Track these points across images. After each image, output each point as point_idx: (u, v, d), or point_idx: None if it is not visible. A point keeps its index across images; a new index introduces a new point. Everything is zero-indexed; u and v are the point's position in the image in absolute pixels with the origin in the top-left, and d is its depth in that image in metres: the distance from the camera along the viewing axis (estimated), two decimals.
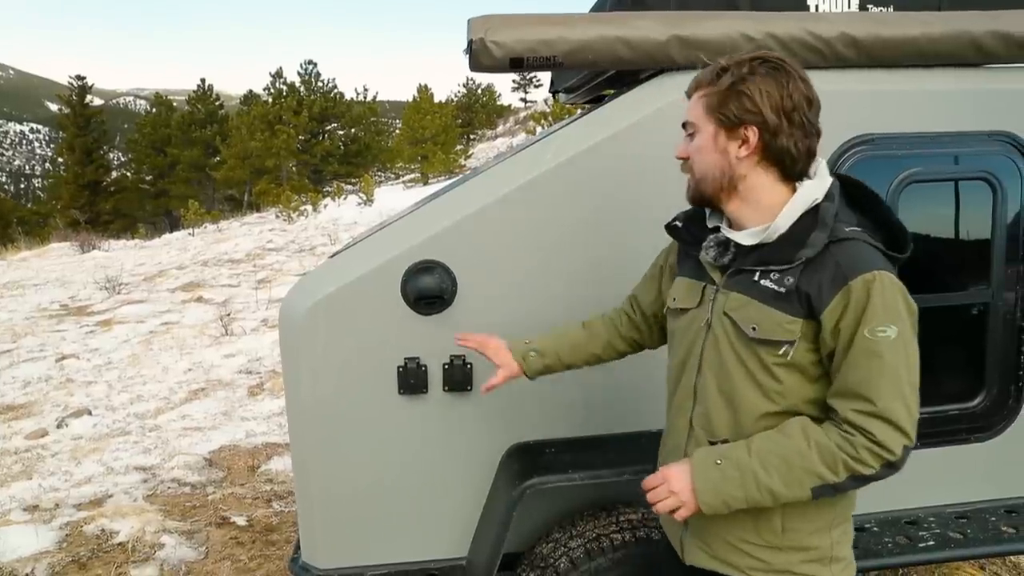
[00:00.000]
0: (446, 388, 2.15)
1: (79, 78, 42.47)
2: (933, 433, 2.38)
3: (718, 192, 1.45)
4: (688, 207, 1.59)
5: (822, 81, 2.23)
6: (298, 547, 2.32)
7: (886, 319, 1.31)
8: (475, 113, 45.76)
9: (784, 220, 1.40)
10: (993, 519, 2.41)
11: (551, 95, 3.44)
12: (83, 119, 41.99)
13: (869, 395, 1.31)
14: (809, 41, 2.15)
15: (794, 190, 1.43)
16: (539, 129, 21.90)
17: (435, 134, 30.27)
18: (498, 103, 48.37)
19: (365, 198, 21.39)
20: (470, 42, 2.07)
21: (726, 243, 1.49)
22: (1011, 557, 3.16)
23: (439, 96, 36.17)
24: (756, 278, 1.42)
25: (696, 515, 1.42)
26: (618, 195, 2.13)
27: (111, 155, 48.95)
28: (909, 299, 1.36)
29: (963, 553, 2.27)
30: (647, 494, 1.47)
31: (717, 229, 1.53)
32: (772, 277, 1.40)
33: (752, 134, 1.39)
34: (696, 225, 1.58)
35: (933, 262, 2.34)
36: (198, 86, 42.09)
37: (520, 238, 2.12)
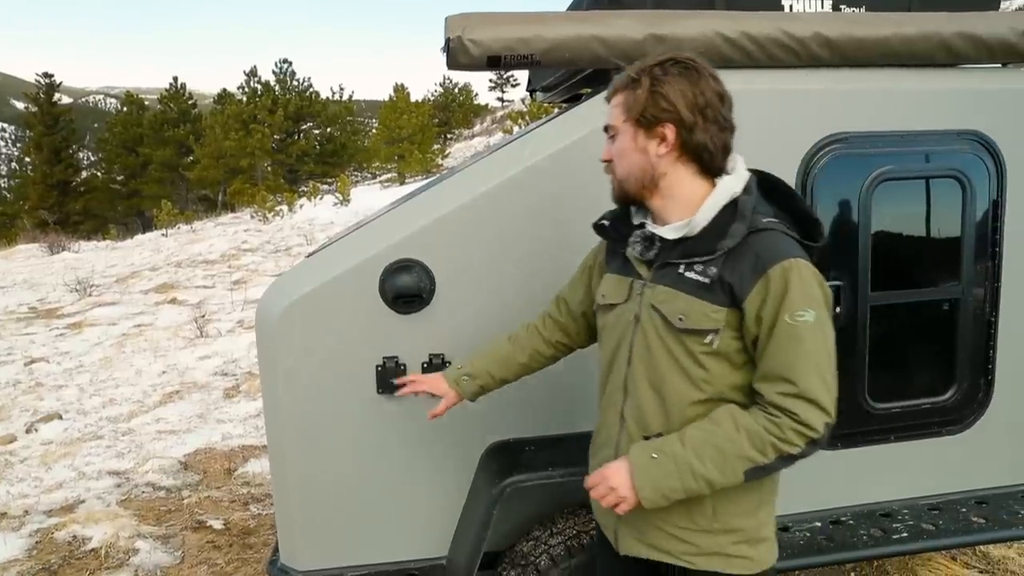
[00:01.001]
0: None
1: (46, 75, 41.57)
2: (906, 427, 2.42)
3: (640, 190, 1.51)
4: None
5: (797, 80, 2.29)
6: (276, 549, 2.29)
7: (804, 304, 1.37)
8: (452, 112, 45.60)
9: (705, 214, 1.46)
10: (964, 510, 2.45)
11: (528, 94, 3.44)
12: (51, 118, 41.11)
13: (792, 377, 1.37)
14: (784, 40, 2.17)
15: (714, 185, 1.49)
16: (516, 128, 21.91)
17: (412, 133, 30.11)
18: (475, 102, 48.26)
19: (341, 198, 21.23)
20: (447, 40, 2.07)
21: (651, 238, 1.53)
22: (981, 547, 3.23)
23: (416, 95, 36.02)
24: (681, 270, 1.47)
25: (637, 508, 1.47)
26: (595, 192, 2.13)
27: (80, 155, 47.94)
28: (824, 285, 1.43)
29: (936, 544, 2.32)
30: (591, 492, 1.51)
31: (641, 225, 1.58)
32: (696, 269, 1.45)
33: (669, 132, 1.44)
34: (623, 223, 1.63)
35: (905, 259, 2.38)
36: (170, 84, 41.41)
37: (499, 236, 2.12)
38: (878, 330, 2.33)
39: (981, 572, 3.12)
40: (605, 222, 1.67)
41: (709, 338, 1.43)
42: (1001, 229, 2.40)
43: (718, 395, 1.46)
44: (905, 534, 2.31)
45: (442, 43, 2.10)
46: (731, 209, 1.46)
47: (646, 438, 1.50)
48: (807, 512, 2.40)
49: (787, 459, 1.39)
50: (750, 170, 1.53)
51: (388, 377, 2.11)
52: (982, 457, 2.52)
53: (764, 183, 1.54)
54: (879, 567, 3.16)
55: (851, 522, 2.37)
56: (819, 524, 2.36)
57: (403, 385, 1.94)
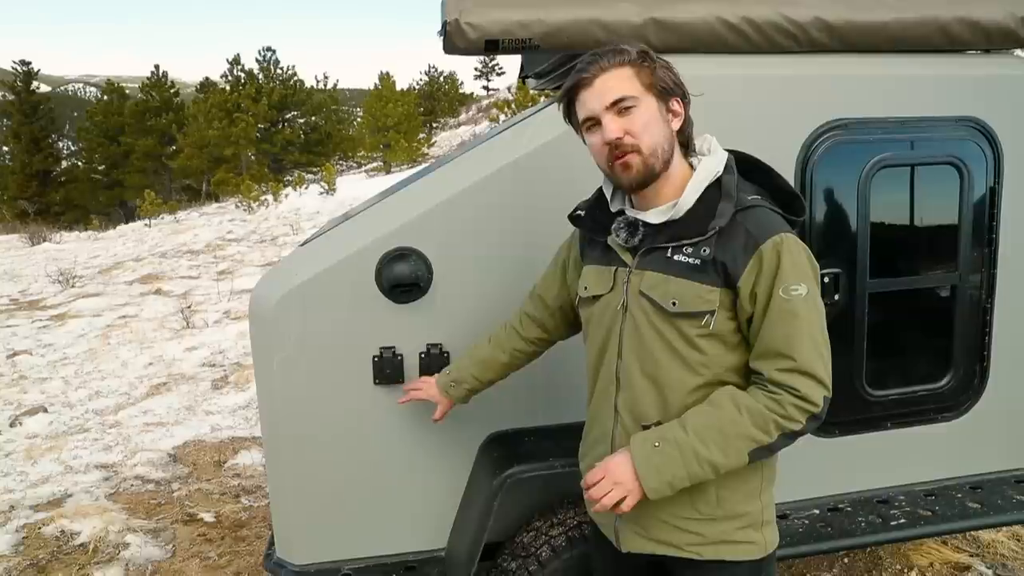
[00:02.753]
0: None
1: (23, 63, 40.81)
2: (903, 414, 2.43)
3: (663, 166, 1.44)
4: (585, 197, 1.66)
5: (797, 65, 2.27)
6: (272, 543, 2.26)
7: (796, 278, 1.38)
8: (438, 101, 45.29)
9: (689, 196, 1.44)
10: (959, 496, 2.47)
11: (520, 80, 3.39)
12: (29, 106, 40.39)
13: (790, 353, 1.37)
14: (784, 25, 2.15)
15: (691, 166, 1.49)
16: (503, 117, 21.80)
17: (397, 122, 29.87)
18: (461, 91, 47.97)
19: (327, 187, 21.06)
20: (444, 23, 2.03)
21: (635, 224, 1.50)
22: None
23: (401, 84, 35.71)
24: (669, 254, 1.44)
25: (640, 502, 1.42)
26: (594, 179, 2.11)
27: (60, 144, 47.16)
28: (812, 258, 1.44)
29: (933, 530, 2.33)
30: (589, 491, 1.44)
31: (621, 213, 1.54)
32: (686, 251, 1.43)
33: (679, 106, 1.46)
34: (600, 212, 1.60)
35: (903, 246, 2.38)
36: (152, 73, 40.77)
37: (497, 224, 2.09)
38: (876, 317, 2.33)
39: (971, 555, 3.15)
40: (581, 212, 1.64)
41: (705, 319, 1.41)
42: (998, 216, 2.40)
43: (716, 378, 1.45)
44: (903, 520, 2.31)
45: (438, 27, 2.06)
46: (715, 189, 1.45)
47: (645, 427, 1.47)
48: (805, 500, 2.40)
49: (789, 436, 1.38)
50: (727, 149, 1.53)
51: (385, 367, 2.08)
52: (977, 443, 2.53)
53: (742, 162, 1.54)
54: (872, 552, 3.18)
55: (849, 509, 2.37)
56: (817, 512, 2.36)
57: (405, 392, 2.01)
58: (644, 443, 1.42)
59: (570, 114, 1.51)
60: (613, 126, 1.42)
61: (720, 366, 1.45)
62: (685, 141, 1.49)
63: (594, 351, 1.60)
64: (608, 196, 1.58)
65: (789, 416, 1.36)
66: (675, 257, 1.44)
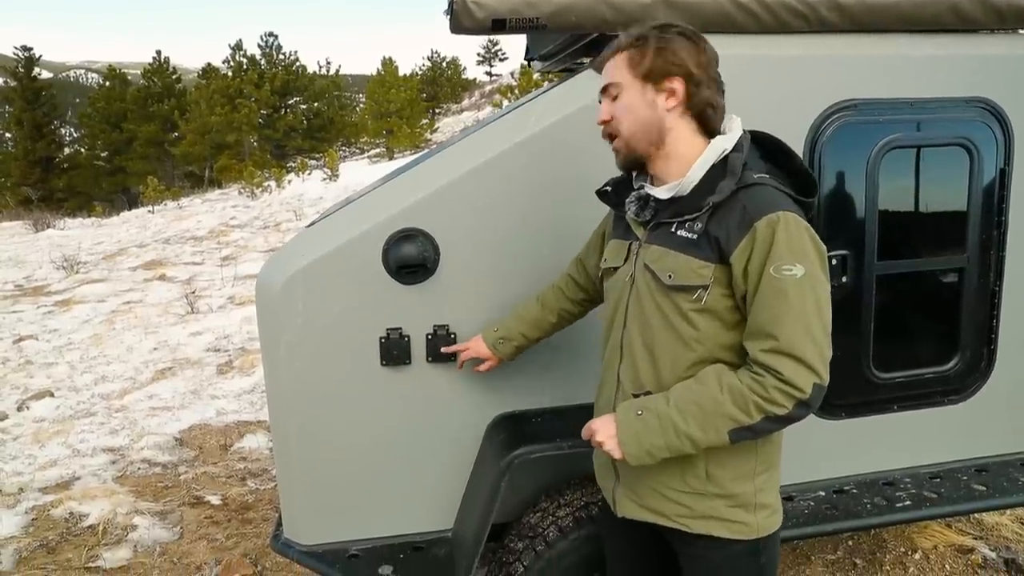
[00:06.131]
0: (429, 359, 2.11)
1: (25, 49, 40.65)
2: (909, 397, 2.42)
3: (648, 147, 1.49)
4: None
5: (806, 46, 2.24)
6: (280, 524, 2.28)
7: (791, 258, 1.34)
8: (440, 87, 45.09)
9: (696, 172, 1.45)
10: (965, 478, 2.47)
11: (526, 63, 3.37)
12: (31, 92, 40.27)
13: (775, 332, 1.33)
14: (794, 4, 2.13)
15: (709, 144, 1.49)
16: (505, 102, 21.68)
17: (400, 108, 29.76)
18: (463, 76, 47.71)
19: (330, 173, 21.01)
20: (451, 2, 2.01)
21: (645, 198, 1.54)
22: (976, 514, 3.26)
23: (404, 69, 35.51)
24: (673, 229, 1.47)
25: (624, 464, 1.48)
26: (599, 159, 2.09)
27: (63, 130, 47.00)
28: (817, 239, 1.39)
29: (938, 512, 2.33)
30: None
31: (642, 188, 1.59)
32: (686, 226, 1.45)
33: (679, 85, 1.45)
34: (625, 189, 1.63)
35: (912, 228, 2.36)
36: (154, 59, 40.59)
37: (504, 204, 2.08)
38: (883, 300, 2.32)
39: (975, 538, 3.16)
40: (608, 188, 1.68)
41: (697, 294, 1.41)
42: (1008, 198, 2.39)
43: (710, 355, 1.45)
44: (908, 502, 2.32)
45: (445, 6, 2.04)
46: (721, 166, 1.45)
47: (636, 396, 1.51)
48: (811, 481, 2.41)
49: (774, 420, 1.35)
50: (750, 132, 1.52)
51: (392, 349, 2.08)
52: (983, 426, 2.53)
53: (764, 144, 1.53)
54: (876, 534, 3.19)
55: (855, 491, 2.38)
56: (823, 493, 2.37)
57: (450, 352, 2.08)
58: (628, 410, 1.46)
59: None
60: (602, 110, 1.54)
61: (714, 343, 1.44)
62: (702, 117, 1.47)
63: (606, 320, 1.65)
64: (633, 174, 1.61)
65: (771, 399, 1.33)
66: (677, 232, 1.46)
